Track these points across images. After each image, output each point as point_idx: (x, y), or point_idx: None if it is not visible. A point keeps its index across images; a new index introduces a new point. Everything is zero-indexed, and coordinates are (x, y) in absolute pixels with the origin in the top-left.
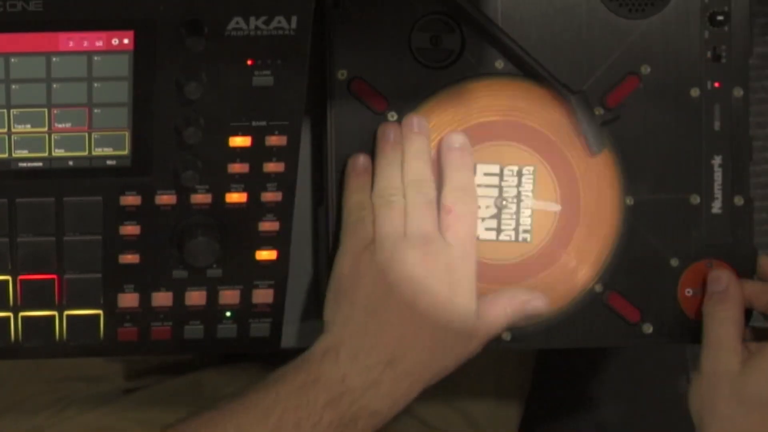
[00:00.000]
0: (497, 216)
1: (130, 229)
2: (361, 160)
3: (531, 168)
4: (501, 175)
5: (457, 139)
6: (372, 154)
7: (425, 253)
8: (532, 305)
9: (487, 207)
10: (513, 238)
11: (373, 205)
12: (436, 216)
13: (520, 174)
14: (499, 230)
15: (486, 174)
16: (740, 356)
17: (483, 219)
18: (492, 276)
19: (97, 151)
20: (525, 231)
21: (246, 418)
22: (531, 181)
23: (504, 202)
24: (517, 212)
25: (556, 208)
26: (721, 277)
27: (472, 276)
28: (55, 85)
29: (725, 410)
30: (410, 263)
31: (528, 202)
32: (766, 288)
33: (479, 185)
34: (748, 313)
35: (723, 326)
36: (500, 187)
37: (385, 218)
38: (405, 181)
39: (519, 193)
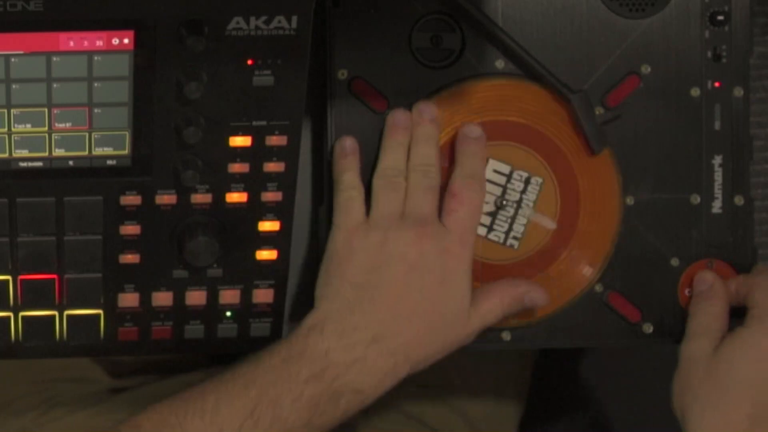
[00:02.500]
0: (493, 215)
1: (130, 229)
2: (348, 141)
3: (539, 179)
4: (509, 176)
5: (474, 130)
6: (374, 151)
7: (421, 234)
8: (530, 297)
9: (486, 203)
10: (501, 241)
11: (374, 185)
12: (436, 201)
13: (527, 182)
14: (490, 229)
15: (495, 171)
16: (716, 343)
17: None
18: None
19: (98, 151)
20: (515, 238)
21: (227, 389)
22: (536, 191)
23: (504, 203)
24: (513, 217)
25: (552, 226)
26: (706, 277)
27: (468, 264)
28: (55, 85)
29: (702, 392)
30: (404, 243)
31: (527, 211)
32: (747, 280)
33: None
34: (736, 311)
35: (704, 317)
36: (504, 188)
37: (385, 198)
38: (411, 164)
39: (521, 199)
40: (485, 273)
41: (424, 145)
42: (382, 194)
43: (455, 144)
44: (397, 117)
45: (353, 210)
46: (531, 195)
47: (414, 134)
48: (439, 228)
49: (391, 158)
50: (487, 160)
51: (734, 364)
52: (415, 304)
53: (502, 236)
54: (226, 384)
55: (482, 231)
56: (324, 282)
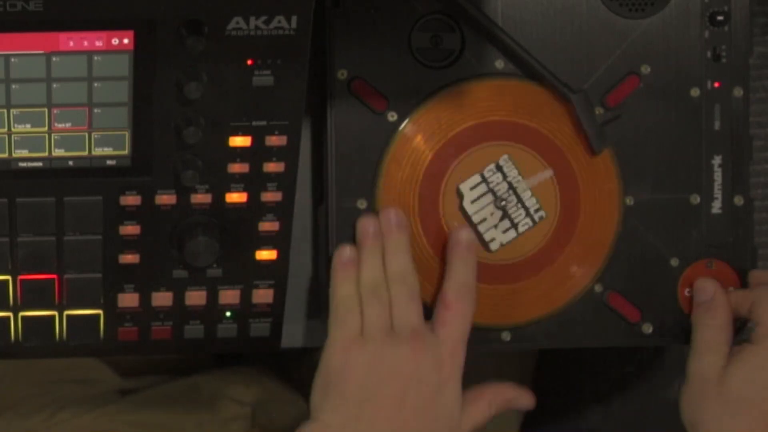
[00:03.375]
0: (506, 215)
1: (130, 229)
2: (347, 251)
3: (505, 156)
4: (485, 180)
5: (465, 235)
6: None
7: (414, 348)
8: (518, 404)
9: (492, 214)
10: (531, 223)
11: (362, 297)
12: (421, 307)
13: (499, 168)
14: (515, 225)
15: (472, 188)
16: (725, 360)
17: (496, 225)
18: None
19: (97, 151)
20: (536, 210)
21: None
22: (512, 166)
23: (503, 202)
24: (520, 199)
25: (549, 173)
26: (707, 287)
27: (460, 373)
28: (55, 85)
29: (713, 412)
30: (400, 358)
31: (522, 185)
32: (748, 294)
33: (473, 201)
34: (738, 321)
35: (709, 331)
36: (492, 191)
37: (373, 312)
38: (387, 274)
39: (510, 183)
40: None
41: (397, 255)
42: (369, 307)
43: (447, 247)
44: (366, 227)
45: (350, 322)
46: (511, 172)
47: (385, 244)
48: (431, 339)
49: (368, 271)
50: (462, 195)
51: (745, 385)
52: (413, 418)
53: (529, 220)
54: None
55: (512, 234)
56: (321, 395)
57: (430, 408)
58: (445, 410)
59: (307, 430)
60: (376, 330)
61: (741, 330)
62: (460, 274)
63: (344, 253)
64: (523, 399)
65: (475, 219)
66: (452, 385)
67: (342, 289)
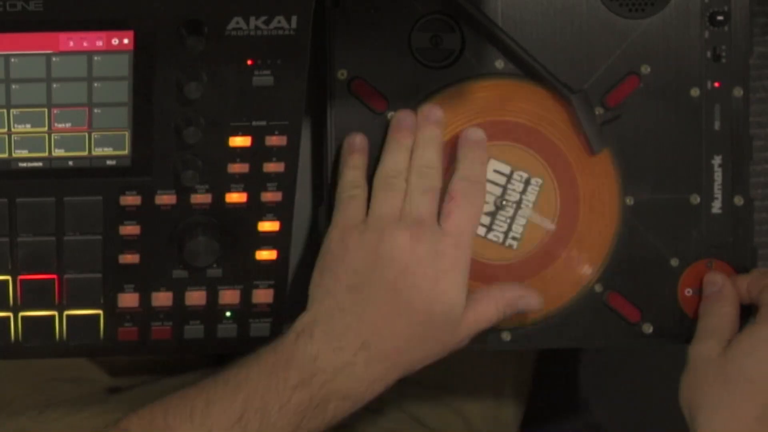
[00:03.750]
0: (492, 215)
1: (130, 229)
2: (358, 139)
3: (539, 180)
4: (509, 177)
5: (476, 133)
6: (376, 151)
7: (415, 236)
8: (525, 302)
9: (486, 203)
10: (500, 241)
11: (374, 185)
12: (435, 204)
13: (527, 182)
14: (489, 228)
15: (495, 171)
16: (726, 344)
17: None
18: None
19: (97, 151)
20: (514, 238)
21: (215, 393)
22: (536, 192)
23: (503, 203)
24: (513, 218)
25: (551, 227)
26: (716, 279)
27: (463, 267)
28: (55, 85)
29: (711, 393)
30: (398, 245)
31: (526, 211)
32: (759, 280)
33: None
34: (746, 311)
35: (713, 318)
36: (504, 188)
37: (383, 199)
38: (412, 165)
39: (521, 199)
40: (484, 273)
41: (427, 148)
42: (381, 194)
43: (457, 146)
44: (402, 118)
45: (353, 209)
46: (530, 196)
47: (417, 137)
48: (435, 230)
49: (392, 159)
50: (488, 160)
51: (743, 363)
52: (406, 308)
53: (501, 236)
54: (215, 387)
55: (482, 231)
56: (317, 281)
57: (426, 301)
58: (442, 304)
59: (298, 322)
60: (381, 218)
61: (746, 323)
62: (467, 169)
63: (355, 140)
64: (529, 297)
65: None
66: (452, 277)
67: (349, 174)
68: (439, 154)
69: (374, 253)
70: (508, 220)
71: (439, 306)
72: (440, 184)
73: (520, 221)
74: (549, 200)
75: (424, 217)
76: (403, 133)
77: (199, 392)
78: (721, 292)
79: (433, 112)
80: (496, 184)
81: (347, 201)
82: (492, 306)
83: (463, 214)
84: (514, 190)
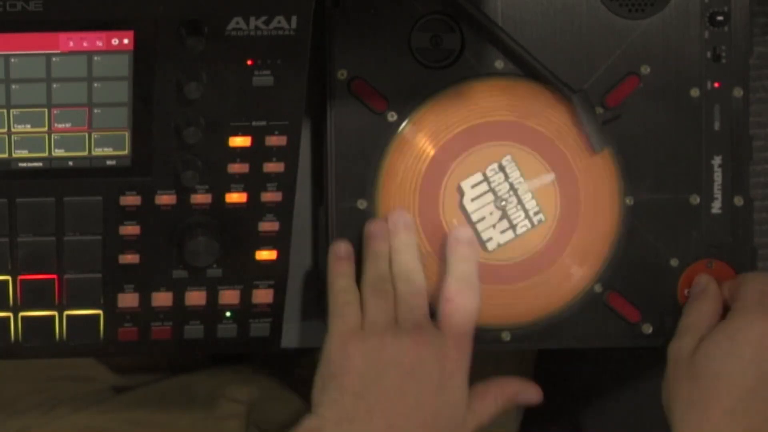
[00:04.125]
0: (504, 215)
1: (130, 229)
2: (343, 247)
3: (508, 157)
4: (487, 179)
5: (465, 233)
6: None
7: (417, 340)
8: (524, 398)
9: (491, 213)
10: (530, 226)
11: (363, 293)
12: (426, 304)
13: (502, 168)
14: (513, 226)
15: (473, 186)
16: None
17: (494, 225)
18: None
19: (97, 151)
20: (536, 213)
21: None
22: (515, 167)
23: (503, 202)
24: (520, 201)
25: (550, 177)
26: (701, 280)
27: (466, 368)
28: (55, 85)
29: (683, 391)
30: (401, 349)
31: (523, 186)
32: (736, 280)
33: (473, 199)
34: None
35: (692, 317)
36: (493, 190)
37: (375, 305)
38: (394, 273)
39: (511, 184)
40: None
41: (403, 254)
42: (372, 301)
43: (447, 246)
44: (373, 229)
45: (349, 315)
46: (513, 173)
47: (392, 244)
48: (434, 333)
49: (373, 268)
50: (462, 192)
51: (711, 359)
52: (413, 413)
53: (527, 222)
54: None
55: (509, 234)
56: (321, 388)
57: (431, 402)
58: (448, 406)
59: (305, 425)
60: (378, 323)
61: None
62: (459, 270)
63: (340, 248)
64: (529, 393)
65: (474, 217)
66: (457, 379)
67: (339, 282)
68: (416, 257)
69: (378, 359)
70: (519, 206)
71: (445, 409)
72: (424, 283)
73: (527, 197)
74: (549, 200)
75: (421, 321)
76: (378, 241)
77: None
78: (704, 291)
79: (401, 217)
80: (484, 192)
81: (342, 307)
82: (492, 403)
83: (461, 316)
84: (498, 183)
